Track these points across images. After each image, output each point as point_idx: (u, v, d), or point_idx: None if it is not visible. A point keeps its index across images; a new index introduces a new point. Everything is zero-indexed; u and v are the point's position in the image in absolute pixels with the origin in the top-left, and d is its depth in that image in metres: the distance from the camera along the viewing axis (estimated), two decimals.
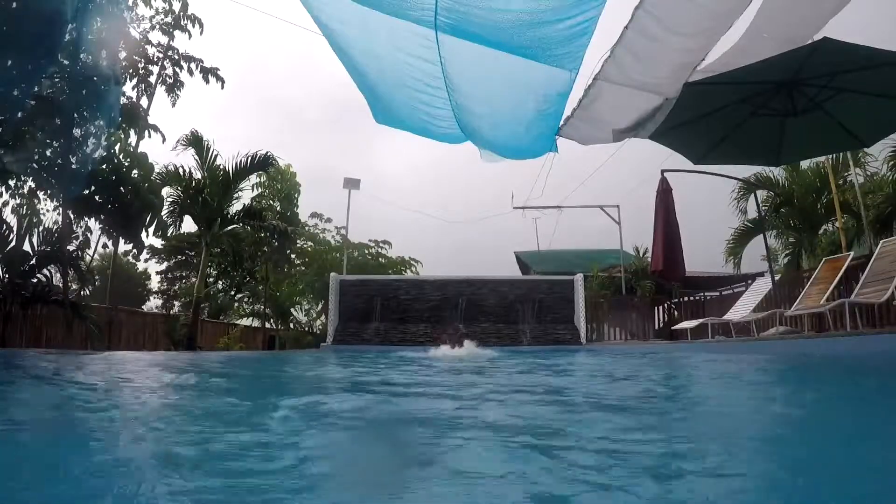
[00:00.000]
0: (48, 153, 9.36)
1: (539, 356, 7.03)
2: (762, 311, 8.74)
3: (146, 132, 12.40)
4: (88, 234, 10.82)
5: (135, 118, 11.75)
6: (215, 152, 12.61)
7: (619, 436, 2.21)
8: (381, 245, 20.52)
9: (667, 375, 5.11)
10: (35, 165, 9.25)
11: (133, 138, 12.01)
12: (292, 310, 18.26)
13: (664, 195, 8.73)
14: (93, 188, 10.17)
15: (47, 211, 10.39)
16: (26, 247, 9.73)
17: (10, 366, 5.87)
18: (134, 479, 1.66)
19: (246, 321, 19.57)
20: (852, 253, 8.51)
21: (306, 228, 19.18)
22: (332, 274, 11.48)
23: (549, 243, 18.39)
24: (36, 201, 10.25)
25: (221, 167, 12.57)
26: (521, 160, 9.20)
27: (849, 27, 5.76)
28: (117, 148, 11.02)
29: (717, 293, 12.59)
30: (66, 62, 8.52)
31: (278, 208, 16.65)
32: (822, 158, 10.39)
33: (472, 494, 1.49)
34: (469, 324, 10.65)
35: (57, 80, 8.85)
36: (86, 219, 10.66)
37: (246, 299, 19.88)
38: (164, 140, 12.60)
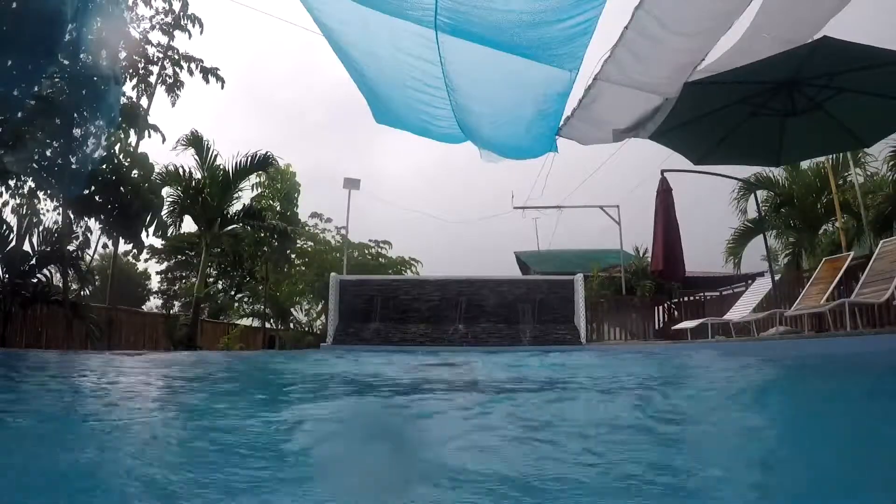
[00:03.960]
0: (48, 153, 9.35)
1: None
2: (762, 311, 8.74)
3: (146, 132, 12.38)
4: (88, 234, 10.82)
5: (135, 118, 11.73)
6: (215, 152, 12.62)
7: None
8: (381, 245, 20.52)
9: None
10: (35, 165, 9.25)
11: (133, 138, 12.00)
12: (292, 310, 18.26)
13: (664, 195, 8.74)
14: (93, 188, 10.17)
15: (47, 211, 10.39)
16: (26, 247, 9.74)
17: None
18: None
19: (246, 321, 19.56)
20: (852, 253, 8.51)
21: (306, 228, 19.17)
22: (332, 274, 11.48)
23: (549, 243, 18.43)
24: (36, 201, 10.24)
25: (221, 167, 12.57)
26: (521, 160, 9.20)
27: (849, 27, 5.75)
28: (117, 148, 11.02)
29: (717, 293, 12.59)
30: (66, 62, 8.51)
31: (278, 208, 16.64)
32: (822, 158, 10.39)
33: None
34: (469, 324, 10.65)
35: (57, 80, 8.85)
36: (86, 219, 10.66)
37: (246, 299, 19.86)
38: (164, 140, 12.59)
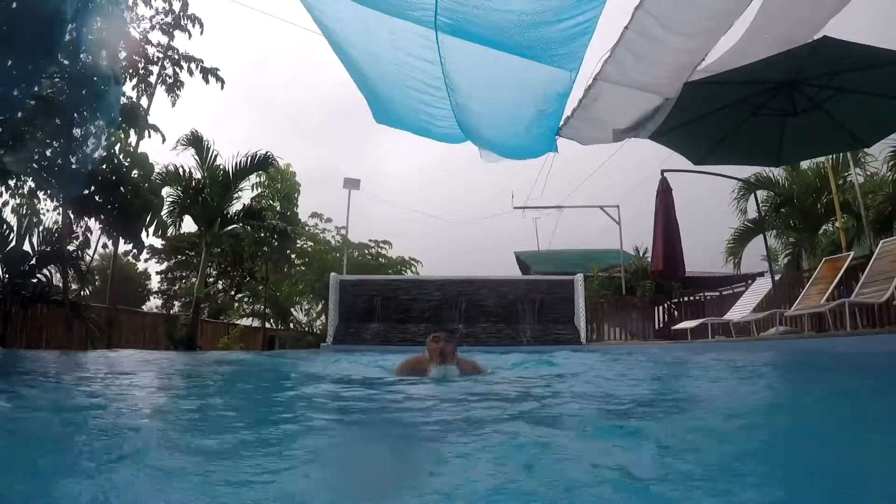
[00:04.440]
0: (48, 153, 9.36)
1: None
2: (762, 311, 8.75)
3: (146, 132, 12.39)
4: (88, 234, 10.83)
5: (135, 118, 11.74)
6: (215, 152, 12.60)
7: None
8: (381, 245, 20.53)
9: None
10: (35, 165, 9.26)
11: (133, 138, 12.01)
12: (292, 310, 18.26)
13: (664, 195, 8.73)
14: (93, 188, 10.17)
15: (47, 211, 10.40)
16: (26, 247, 9.74)
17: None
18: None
19: (246, 321, 19.57)
20: (852, 253, 8.51)
21: (306, 228, 19.18)
22: (332, 274, 11.48)
23: (549, 243, 18.46)
24: (36, 201, 10.25)
25: (221, 167, 12.56)
26: (521, 160, 9.20)
27: (849, 27, 5.76)
28: (117, 148, 11.02)
29: (717, 293, 12.59)
30: (66, 62, 8.52)
31: (278, 208, 16.64)
32: (822, 158, 10.39)
33: None
34: (469, 324, 10.66)
35: (57, 80, 8.85)
36: (86, 219, 10.66)
37: (246, 299, 19.87)
38: (164, 140, 12.60)
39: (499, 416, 2.77)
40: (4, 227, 9.50)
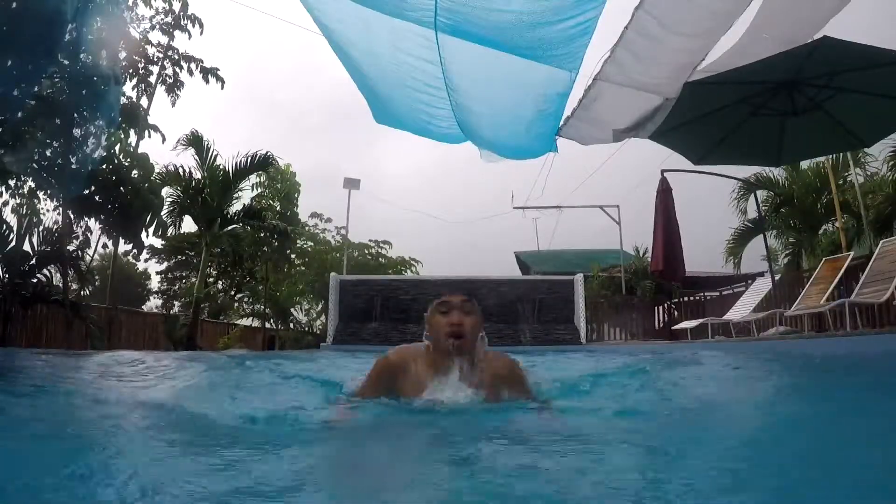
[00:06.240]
0: (48, 153, 9.35)
1: None
2: (762, 311, 8.75)
3: (146, 132, 12.40)
4: (88, 234, 10.82)
5: (135, 118, 11.74)
6: (215, 152, 12.61)
7: None
8: (381, 245, 20.54)
9: None
10: (35, 165, 9.25)
11: (133, 138, 12.01)
12: (292, 310, 18.26)
13: (664, 195, 8.74)
14: (93, 188, 10.16)
15: (47, 211, 10.40)
16: (26, 247, 9.72)
17: None
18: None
19: (246, 321, 19.58)
20: (852, 253, 8.51)
21: (306, 228, 19.19)
22: (332, 274, 11.48)
23: (549, 243, 18.45)
24: (36, 201, 10.25)
25: (221, 167, 12.57)
26: (521, 160, 9.21)
27: (849, 27, 5.76)
28: (117, 148, 11.02)
29: (717, 293, 12.60)
30: (66, 62, 8.51)
31: (278, 208, 16.66)
32: (822, 158, 10.40)
33: None
34: None
35: (57, 80, 8.85)
36: (86, 219, 10.66)
37: (246, 299, 19.89)
38: (164, 140, 12.61)
39: None
40: (4, 227, 9.49)
